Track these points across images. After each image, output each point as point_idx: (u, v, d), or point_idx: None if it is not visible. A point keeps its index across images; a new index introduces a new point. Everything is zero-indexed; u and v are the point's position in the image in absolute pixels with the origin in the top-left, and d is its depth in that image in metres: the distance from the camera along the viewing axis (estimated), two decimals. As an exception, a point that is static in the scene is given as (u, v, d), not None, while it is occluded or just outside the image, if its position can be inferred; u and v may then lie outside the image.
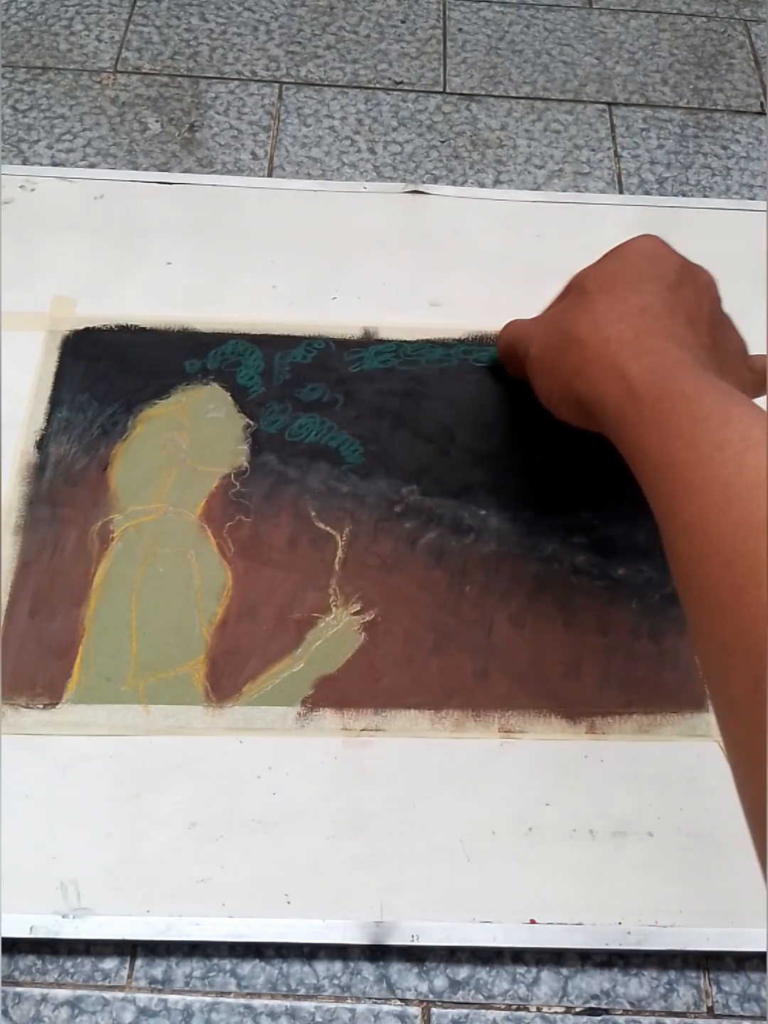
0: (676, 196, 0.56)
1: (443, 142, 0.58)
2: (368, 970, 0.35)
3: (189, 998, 0.34)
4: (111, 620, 0.40)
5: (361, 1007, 0.34)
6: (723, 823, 0.37)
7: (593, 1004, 0.35)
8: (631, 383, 0.33)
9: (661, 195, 0.56)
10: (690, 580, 0.29)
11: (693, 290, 0.38)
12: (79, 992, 0.34)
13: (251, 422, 0.45)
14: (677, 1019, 0.35)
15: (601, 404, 0.35)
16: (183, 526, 0.42)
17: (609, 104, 0.61)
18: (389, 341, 0.48)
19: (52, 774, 0.37)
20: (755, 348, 0.49)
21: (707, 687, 0.27)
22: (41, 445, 0.44)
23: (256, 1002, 0.34)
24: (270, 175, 0.56)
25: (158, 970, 0.35)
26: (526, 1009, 0.35)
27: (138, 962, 0.35)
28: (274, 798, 0.37)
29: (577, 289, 0.39)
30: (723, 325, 0.39)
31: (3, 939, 0.34)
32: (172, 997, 0.34)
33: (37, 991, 0.34)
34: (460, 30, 0.63)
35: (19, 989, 0.34)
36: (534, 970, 0.35)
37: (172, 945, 0.35)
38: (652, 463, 0.32)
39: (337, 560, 0.42)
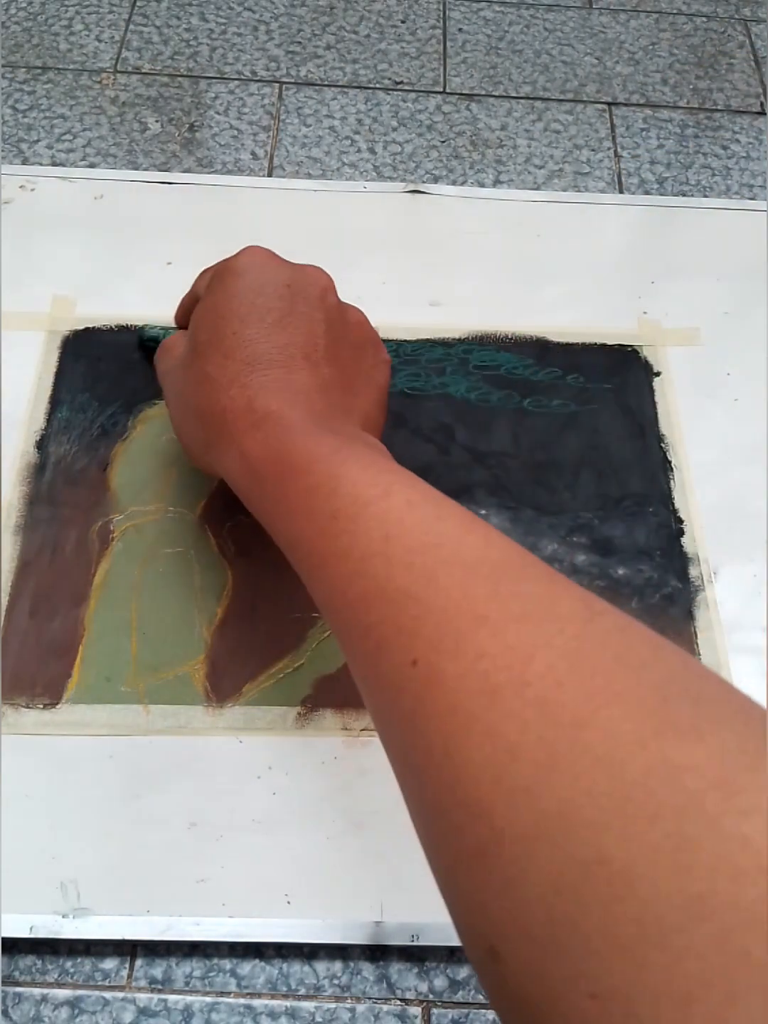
0: (676, 196, 0.56)
1: (443, 142, 0.58)
2: (368, 970, 0.35)
3: (189, 998, 0.34)
4: (111, 620, 0.40)
5: (361, 1007, 0.34)
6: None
7: (593, 1004, 0.35)
8: (250, 462, 0.32)
9: (661, 195, 0.56)
10: (346, 650, 0.28)
11: (304, 316, 0.35)
12: (79, 992, 0.34)
13: (251, 422, 0.45)
14: (677, 1019, 0.35)
15: (232, 483, 0.33)
16: (183, 526, 0.42)
17: (609, 104, 0.61)
18: (389, 341, 0.48)
19: (52, 774, 0.37)
20: (756, 349, 0.49)
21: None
22: (41, 445, 0.44)
23: (256, 1002, 0.34)
24: (270, 175, 0.56)
25: (158, 970, 0.35)
26: (526, 1009, 0.35)
27: (138, 962, 0.35)
28: (274, 798, 0.37)
29: (191, 341, 0.36)
30: (343, 337, 0.36)
31: (3, 939, 0.34)
32: (172, 997, 0.34)
33: (37, 991, 0.34)
34: (460, 30, 0.63)
35: (19, 989, 0.34)
36: (534, 970, 0.35)
37: (172, 945, 0.35)
38: (283, 541, 0.31)
39: (337, 560, 0.42)
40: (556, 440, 0.46)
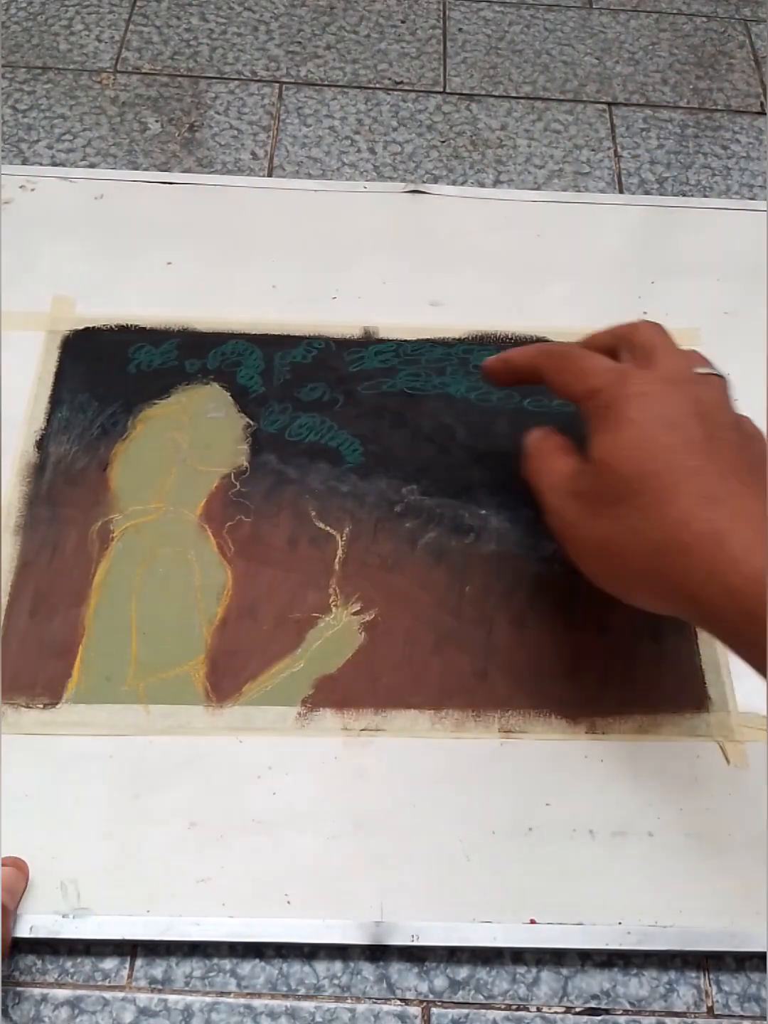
0: (676, 196, 0.56)
1: (443, 142, 0.58)
2: (368, 970, 0.35)
3: (189, 998, 0.34)
4: (111, 620, 0.40)
5: (361, 1007, 0.34)
6: (723, 823, 0.37)
7: (593, 1004, 0.35)
8: (737, 596, 0.30)
9: (661, 195, 0.56)
10: None
11: (735, 429, 0.34)
12: (79, 992, 0.34)
13: (251, 422, 0.45)
14: (677, 1019, 0.35)
15: (706, 620, 0.32)
16: (183, 526, 0.42)
17: (609, 104, 0.61)
18: (389, 341, 0.48)
19: (52, 774, 0.37)
20: (756, 349, 0.49)
21: None
22: (41, 445, 0.44)
23: (256, 1002, 0.34)
24: (270, 175, 0.56)
25: (158, 970, 0.35)
26: (526, 1009, 0.35)
27: (138, 962, 0.35)
28: (274, 798, 0.37)
29: (635, 478, 0.33)
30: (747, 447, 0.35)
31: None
32: (172, 997, 0.34)
33: (37, 991, 0.34)
34: (460, 30, 0.63)
35: (19, 989, 0.34)
36: (534, 970, 0.35)
37: (172, 945, 0.35)
38: None
39: (337, 560, 0.42)
40: (556, 440, 0.46)
